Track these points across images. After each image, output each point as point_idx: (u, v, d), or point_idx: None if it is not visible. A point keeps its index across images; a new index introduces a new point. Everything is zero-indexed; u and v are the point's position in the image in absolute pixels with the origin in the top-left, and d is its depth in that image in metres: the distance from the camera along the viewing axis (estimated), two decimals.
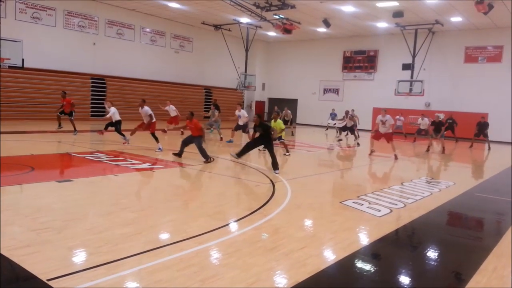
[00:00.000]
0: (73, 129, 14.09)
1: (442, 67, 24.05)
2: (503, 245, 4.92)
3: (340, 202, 6.57)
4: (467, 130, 19.84)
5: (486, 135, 18.16)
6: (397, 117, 22.51)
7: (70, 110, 14.33)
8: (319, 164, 12.21)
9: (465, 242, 5.25)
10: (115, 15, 22.10)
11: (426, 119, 18.63)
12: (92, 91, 21.13)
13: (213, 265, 3.85)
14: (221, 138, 15.30)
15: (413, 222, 5.79)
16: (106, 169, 8.69)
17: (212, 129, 16.19)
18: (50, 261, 3.63)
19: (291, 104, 28.76)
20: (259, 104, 31.14)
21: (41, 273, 3.35)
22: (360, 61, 27.55)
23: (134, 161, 9.51)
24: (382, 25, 23.13)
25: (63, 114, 14.44)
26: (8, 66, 15.58)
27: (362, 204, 6.49)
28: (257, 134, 9.60)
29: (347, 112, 17.88)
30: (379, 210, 6.17)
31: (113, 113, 12.35)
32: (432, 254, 4.72)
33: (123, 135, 12.31)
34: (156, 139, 11.59)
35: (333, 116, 23.56)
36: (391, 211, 6.23)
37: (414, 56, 23.14)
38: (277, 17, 20.91)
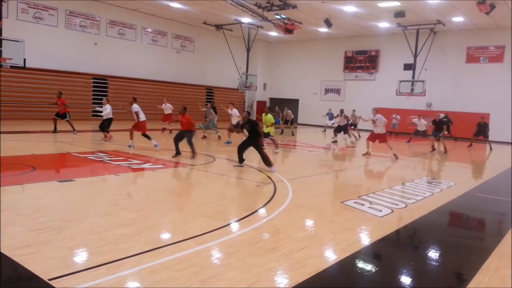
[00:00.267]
0: (72, 129, 14.16)
1: (443, 67, 23.99)
2: (504, 245, 4.91)
3: (341, 202, 6.56)
4: (468, 130, 19.78)
5: (486, 136, 18.08)
6: (393, 115, 22.47)
7: (64, 112, 14.40)
8: (320, 164, 12.23)
9: (466, 242, 5.24)
10: (116, 15, 22.13)
11: (423, 120, 18.04)
12: (94, 91, 21.17)
13: (214, 265, 3.85)
14: (219, 137, 15.44)
15: (414, 223, 5.77)
16: (107, 169, 8.70)
17: (216, 131, 16.06)
18: (50, 261, 3.63)
19: (293, 104, 28.77)
20: (261, 104, 31.06)
21: (42, 273, 3.35)
22: (362, 61, 27.51)
23: (135, 161, 9.54)
24: (383, 25, 23.10)
25: (59, 118, 14.45)
26: (10, 66, 15.60)
27: (363, 204, 6.48)
28: (245, 131, 9.83)
29: (341, 111, 17.84)
30: (380, 210, 6.16)
31: (108, 112, 12.78)
32: (433, 254, 4.70)
33: (106, 131, 12.81)
34: (148, 137, 11.66)
35: (330, 116, 23.51)
36: (392, 211, 6.22)
37: (415, 56, 23.12)
38: (278, 17, 20.91)
